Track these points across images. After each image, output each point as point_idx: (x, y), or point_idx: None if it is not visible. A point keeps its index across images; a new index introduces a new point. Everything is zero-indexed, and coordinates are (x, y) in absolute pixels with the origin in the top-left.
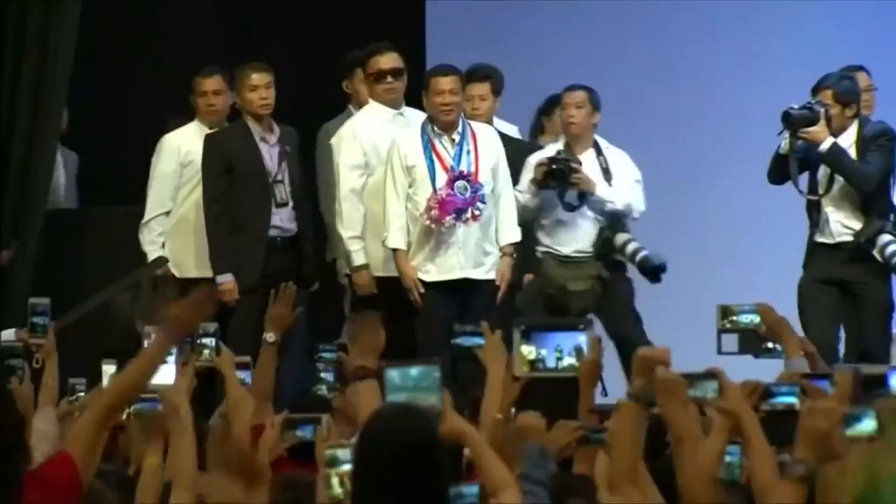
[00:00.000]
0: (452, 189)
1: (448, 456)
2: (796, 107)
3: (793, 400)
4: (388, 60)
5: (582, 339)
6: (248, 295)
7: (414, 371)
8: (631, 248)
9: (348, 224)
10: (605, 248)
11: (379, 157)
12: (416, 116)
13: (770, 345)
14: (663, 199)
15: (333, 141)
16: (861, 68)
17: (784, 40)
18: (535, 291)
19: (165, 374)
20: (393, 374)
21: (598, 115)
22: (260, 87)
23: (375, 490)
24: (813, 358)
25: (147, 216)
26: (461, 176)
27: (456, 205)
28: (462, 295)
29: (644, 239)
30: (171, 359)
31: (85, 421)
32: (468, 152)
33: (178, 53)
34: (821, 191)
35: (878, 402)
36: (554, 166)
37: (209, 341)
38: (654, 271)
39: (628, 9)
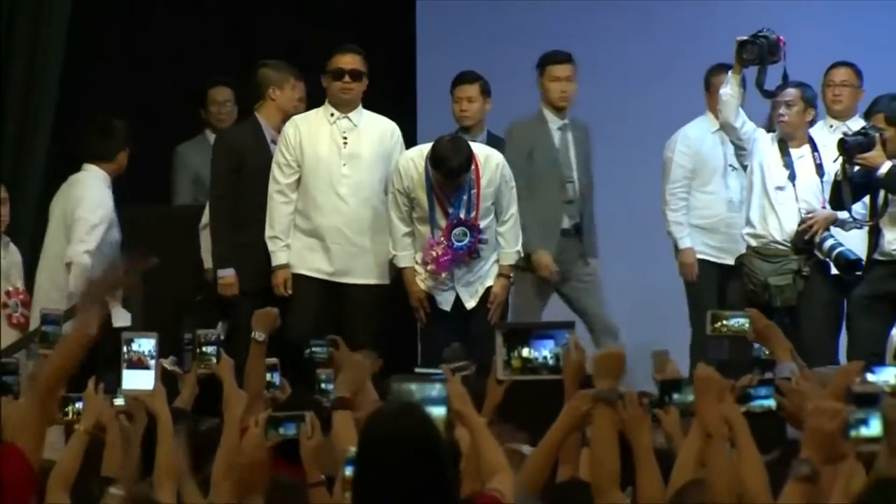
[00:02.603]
0: (450, 237)
1: (451, 451)
2: (850, 133)
3: (770, 403)
4: (350, 61)
5: (564, 340)
6: (251, 295)
7: (423, 389)
8: (828, 244)
9: (270, 223)
10: (804, 243)
11: (305, 156)
12: (364, 119)
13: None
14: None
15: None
16: (846, 63)
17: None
18: (738, 290)
19: (144, 381)
20: (400, 390)
21: (812, 112)
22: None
23: (379, 488)
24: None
25: (204, 220)
26: (460, 223)
27: (453, 258)
28: (463, 317)
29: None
30: (152, 363)
31: (26, 409)
32: (470, 188)
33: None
34: (878, 218)
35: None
36: (747, 37)
37: (211, 349)
38: (849, 266)
39: (622, 9)
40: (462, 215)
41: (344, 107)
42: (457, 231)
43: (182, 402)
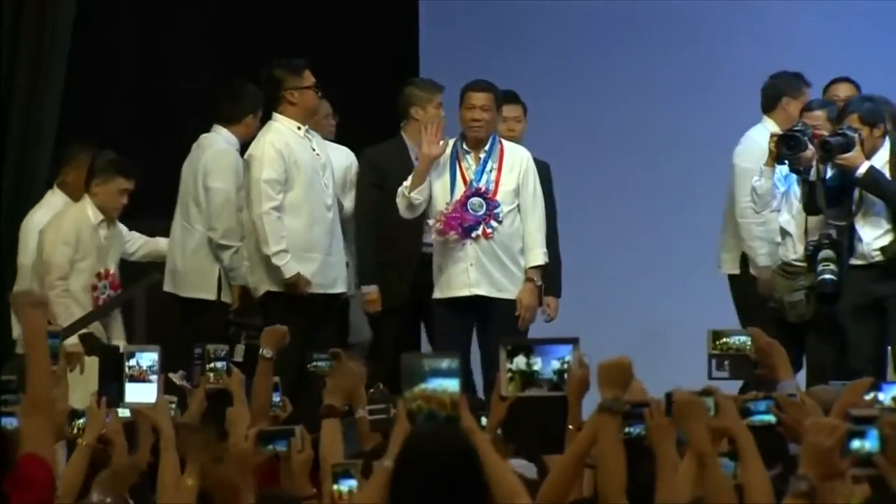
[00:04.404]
0: (465, 205)
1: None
2: (829, 134)
3: (769, 418)
4: (311, 75)
5: (569, 356)
6: (395, 313)
7: (433, 361)
8: (821, 267)
9: (273, 239)
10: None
11: (299, 171)
12: (313, 133)
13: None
14: (658, 213)
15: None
16: (847, 79)
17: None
18: (769, 307)
19: (146, 394)
20: (411, 363)
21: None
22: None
23: None
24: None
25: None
26: (477, 193)
27: (463, 222)
28: (478, 314)
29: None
30: (154, 378)
31: (30, 426)
32: (491, 170)
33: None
34: (852, 217)
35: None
36: (789, 132)
37: (220, 365)
38: (821, 297)
39: (620, 10)
40: (482, 185)
41: (307, 120)
42: (473, 200)
43: (190, 416)
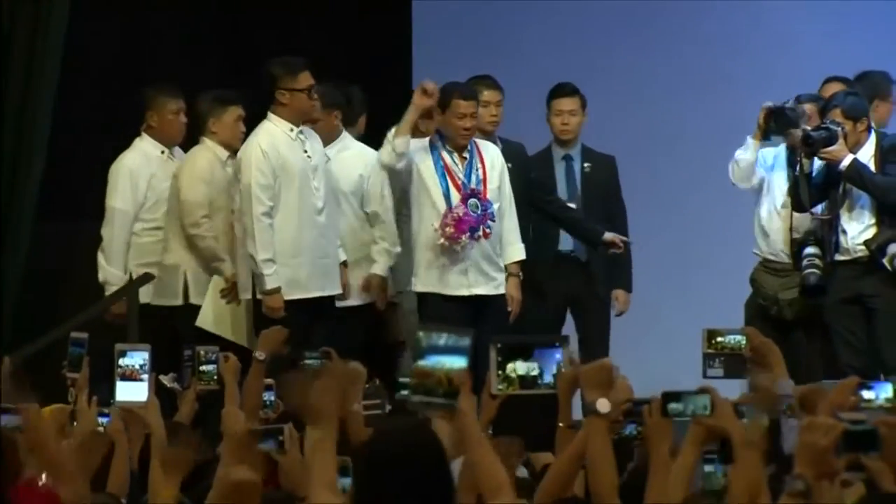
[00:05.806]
0: (467, 207)
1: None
2: (809, 128)
3: (764, 421)
4: (311, 77)
5: (559, 355)
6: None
7: (446, 336)
8: (805, 262)
9: (262, 246)
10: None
11: (286, 174)
12: (306, 132)
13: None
14: (658, 215)
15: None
16: (840, 79)
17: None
18: (753, 304)
19: (137, 393)
20: (424, 337)
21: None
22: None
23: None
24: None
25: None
26: (473, 194)
27: (470, 223)
28: (473, 310)
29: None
30: (145, 377)
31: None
32: (476, 170)
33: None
34: (837, 210)
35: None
36: (777, 106)
37: (210, 368)
38: (806, 291)
39: (619, 9)
40: (474, 186)
41: (300, 122)
42: (471, 202)
43: (181, 419)
